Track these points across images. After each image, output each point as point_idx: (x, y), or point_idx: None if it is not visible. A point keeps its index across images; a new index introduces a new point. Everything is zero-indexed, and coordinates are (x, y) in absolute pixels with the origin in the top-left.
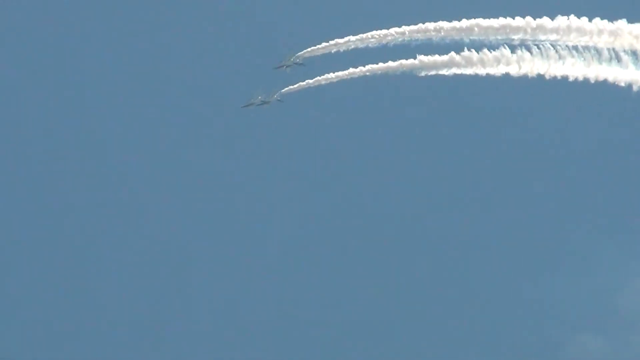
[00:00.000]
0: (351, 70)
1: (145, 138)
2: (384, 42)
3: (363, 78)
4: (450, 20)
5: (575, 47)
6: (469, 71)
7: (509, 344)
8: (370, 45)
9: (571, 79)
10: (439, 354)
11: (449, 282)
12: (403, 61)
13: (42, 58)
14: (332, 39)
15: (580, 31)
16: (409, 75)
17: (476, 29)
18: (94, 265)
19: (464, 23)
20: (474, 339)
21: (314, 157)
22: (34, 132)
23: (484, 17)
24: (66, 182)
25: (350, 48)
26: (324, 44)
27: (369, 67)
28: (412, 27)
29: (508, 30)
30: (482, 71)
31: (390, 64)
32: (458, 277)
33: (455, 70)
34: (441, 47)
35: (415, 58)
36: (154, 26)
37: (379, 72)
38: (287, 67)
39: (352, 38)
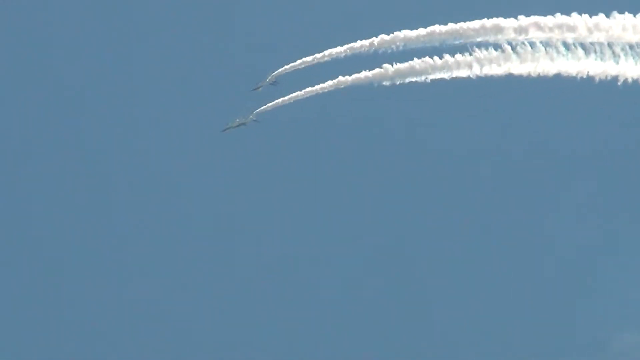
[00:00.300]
0: (323, 85)
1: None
2: (357, 51)
3: (336, 90)
4: (423, 26)
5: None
6: (461, 73)
7: (553, 343)
8: (341, 57)
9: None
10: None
11: (490, 279)
12: (377, 70)
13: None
14: (307, 55)
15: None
16: (381, 84)
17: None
18: (93, 265)
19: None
20: (518, 335)
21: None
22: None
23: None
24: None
25: (323, 61)
26: (299, 61)
27: (342, 78)
28: (383, 37)
29: (477, 33)
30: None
31: (365, 73)
32: (500, 277)
33: (433, 75)
34: (412, 54)
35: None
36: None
37: (352, 83)
38: (261, 87)
39: (327, 52)
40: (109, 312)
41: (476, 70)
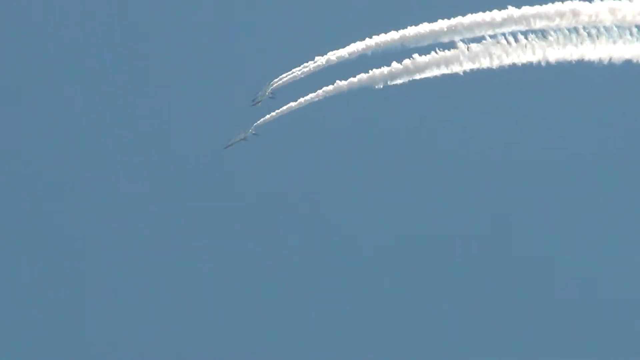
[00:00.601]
0: (319, 91)
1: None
2: (351, 56)
3: (333, 96)
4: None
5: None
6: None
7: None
8: (336, 63)
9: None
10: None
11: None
12: (371, 72)
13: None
14: (299, 62)
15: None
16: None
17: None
18: (92, 266)
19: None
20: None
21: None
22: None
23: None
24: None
25: (321, 67)
26: (295, 71)
27: (338, 84)
28: (369, 41)
29: (462, 29)
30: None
31: (362, 75)
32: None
33: (438, 71)
34: (402, 54)
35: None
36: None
37: (348, 88)
38: (260, 102)
39: (321, 58)
40: (108, 312)
41: (469, 65)
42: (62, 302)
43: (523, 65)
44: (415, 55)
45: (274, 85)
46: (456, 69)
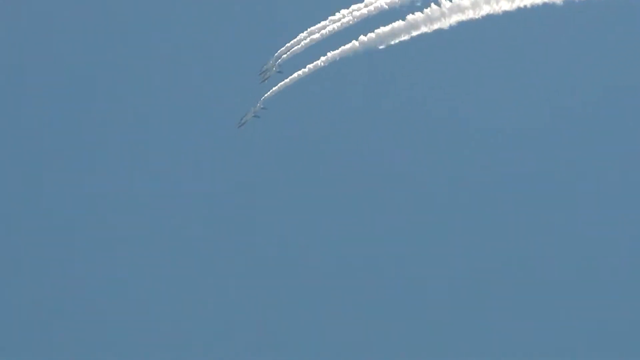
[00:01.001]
0: (324, 57)
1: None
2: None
3: (335, 62)
4: None
5: None
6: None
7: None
8: (337, 29)
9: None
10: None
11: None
12: (363, 37)
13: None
14: (297, 34)
15: None
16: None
17: None
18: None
19: None
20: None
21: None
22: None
23: None
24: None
25: (321, 37)
26: (296, 42)
27: (340, 49)
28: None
29: None
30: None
31: (360, 39)
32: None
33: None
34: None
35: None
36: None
37: (350, 53)
38: (267, 77)
39: (324, 26)
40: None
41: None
42: (63, 302)
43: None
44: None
45: (282, 59)
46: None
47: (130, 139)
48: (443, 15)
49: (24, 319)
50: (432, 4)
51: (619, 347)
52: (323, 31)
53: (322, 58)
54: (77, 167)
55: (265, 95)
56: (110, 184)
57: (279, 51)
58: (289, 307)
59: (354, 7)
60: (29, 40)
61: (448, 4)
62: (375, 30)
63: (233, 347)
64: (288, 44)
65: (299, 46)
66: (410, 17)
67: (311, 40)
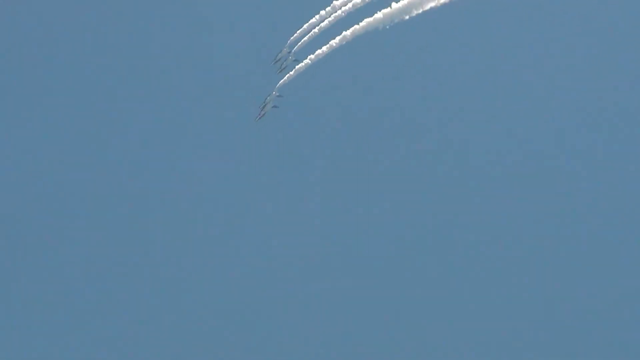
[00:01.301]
0: (334, 41)
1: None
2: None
3: (348, 44)
4: None
5: None
6: None
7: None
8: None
9: None
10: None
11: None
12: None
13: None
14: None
15: None
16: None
17: None
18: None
19: None
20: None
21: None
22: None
23: None
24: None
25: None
26: (305, 27)
27: (351, 30)
28: None
29: None
30: None
31: (368, 20)
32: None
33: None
34: None
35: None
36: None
37: (362, 31)
38: (283, 67)
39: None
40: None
41: None
42: (63, 302)
43: None
44: None
45: (296, 47)
46: None
47: (150, 128)
48: None
49: (24, 319)
50: None
51: (618, 348)
52: (334, 14)
53: (336, 39)
54: (77, 165)
55: (280, 82)
56: (110, 184)
57: (291, 38)
58: (289, 307)
59: None
60: (29, 40)
61: None
62: (383, 10)
63: (233, 347)
64: (300, 30)
65: (311, 34)
66: None
67: (322, 26)
